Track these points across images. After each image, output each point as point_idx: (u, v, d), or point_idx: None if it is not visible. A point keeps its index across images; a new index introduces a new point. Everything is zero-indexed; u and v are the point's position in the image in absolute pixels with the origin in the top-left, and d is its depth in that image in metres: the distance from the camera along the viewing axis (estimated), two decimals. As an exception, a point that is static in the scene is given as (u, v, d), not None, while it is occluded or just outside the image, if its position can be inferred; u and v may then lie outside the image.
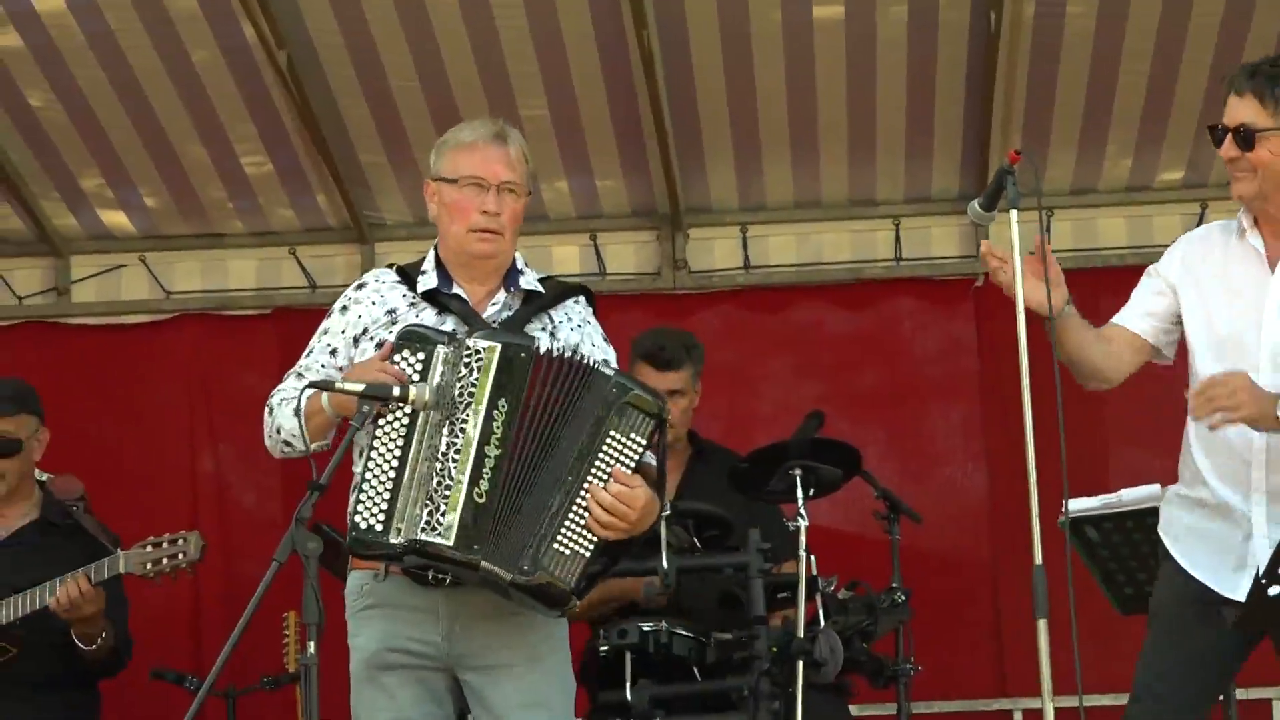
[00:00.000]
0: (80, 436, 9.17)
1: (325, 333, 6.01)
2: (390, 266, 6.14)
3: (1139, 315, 6.26)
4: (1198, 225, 9.72)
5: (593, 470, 5.61)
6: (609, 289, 9.51)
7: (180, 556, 7.13)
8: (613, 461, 5.62)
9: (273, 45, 8.58)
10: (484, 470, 5.58)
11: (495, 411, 5.60)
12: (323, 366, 5.90)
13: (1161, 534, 6.26)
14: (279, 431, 5.89)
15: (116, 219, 9.96)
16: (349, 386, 5.67)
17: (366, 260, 9.92)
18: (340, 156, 9.41)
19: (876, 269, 10.00)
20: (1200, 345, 6.10)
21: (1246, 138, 6.09)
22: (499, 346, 5.64)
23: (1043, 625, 5.72)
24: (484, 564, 5.54)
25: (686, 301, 9.93)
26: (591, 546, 5.61)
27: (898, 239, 10.00)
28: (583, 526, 5.61)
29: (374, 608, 5.83)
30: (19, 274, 10.17)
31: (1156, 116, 9.43)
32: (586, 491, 5.60)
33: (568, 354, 5.72)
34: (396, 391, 5.61)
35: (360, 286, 6.05)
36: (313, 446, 5.77)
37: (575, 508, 5.60)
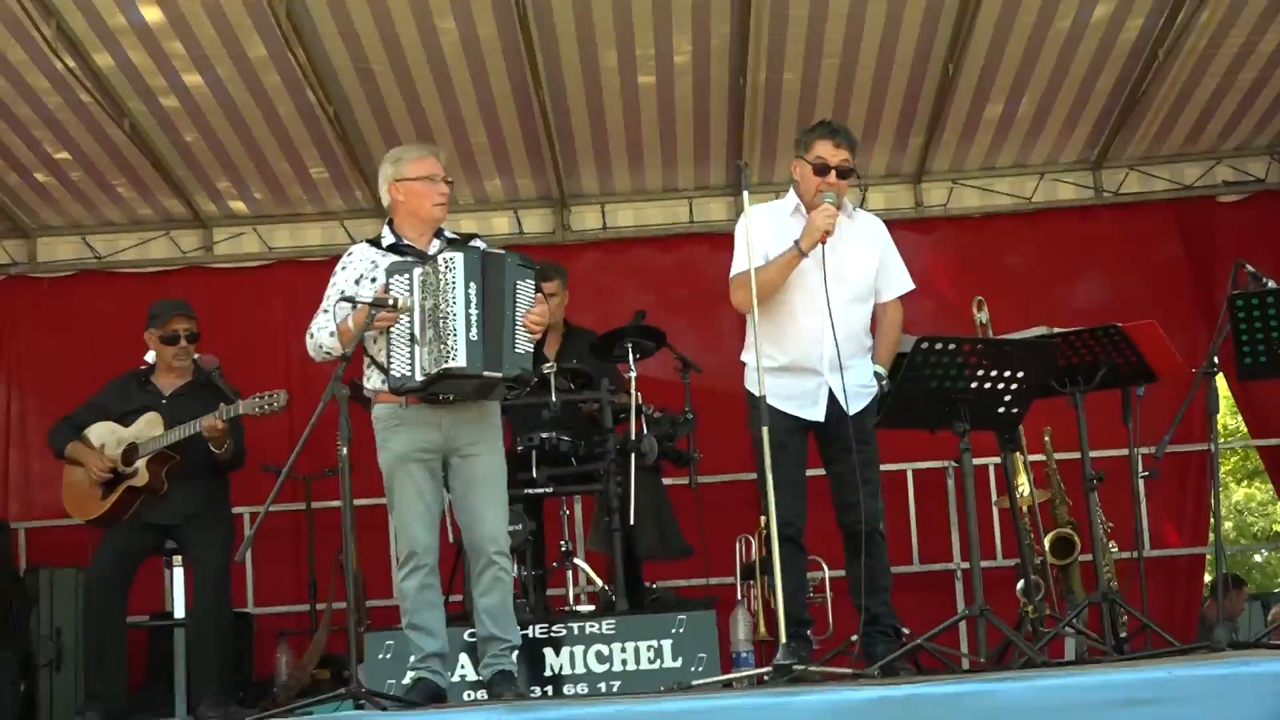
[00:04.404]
0: (234, 336, 9.07)
1: (335, 285, 6.05)
2: (364, 240, 6.27)
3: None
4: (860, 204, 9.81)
5: (517, 304, 5.77)
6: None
7: (275, 404, 7.10)
8: (524, 295, 5.81)
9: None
10: (472, 323, 5.67)
11: (469, 291, 5.71)
12: (338, 304, 5.93)
13: (762, 394, 6.10)
14: (320, 347, 5.96)
15: (210, 206, 9.92)
16: (363, 299, 5.83)
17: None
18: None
19: (679, 228, 10.00)
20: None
21: (845, 174, 6.23)
22: (462, 254, 5.76)
23: (765, 432, 5.76)
24: (485, 372, 5.69)
25: (569, 250, 9.98)
26: (530, 346, 5.83)
27: (691, 210, 10.03)
28: (525, 335, 5.78)
29: (401, 425, 5.90)
30: (182, 239, 10.11)
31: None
32: (519, 315, 5.77)
33: (495, 251, 5.92)
34: (390, 301, 5.75)
35: (349, 254, 6.15)
36: (346, 350, 5.86)
37: (518, 327, 5.76)
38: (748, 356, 6.49)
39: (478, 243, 6.10)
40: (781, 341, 6.33)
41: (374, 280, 5.93)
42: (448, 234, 6.14)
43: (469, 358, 5.67)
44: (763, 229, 6.32)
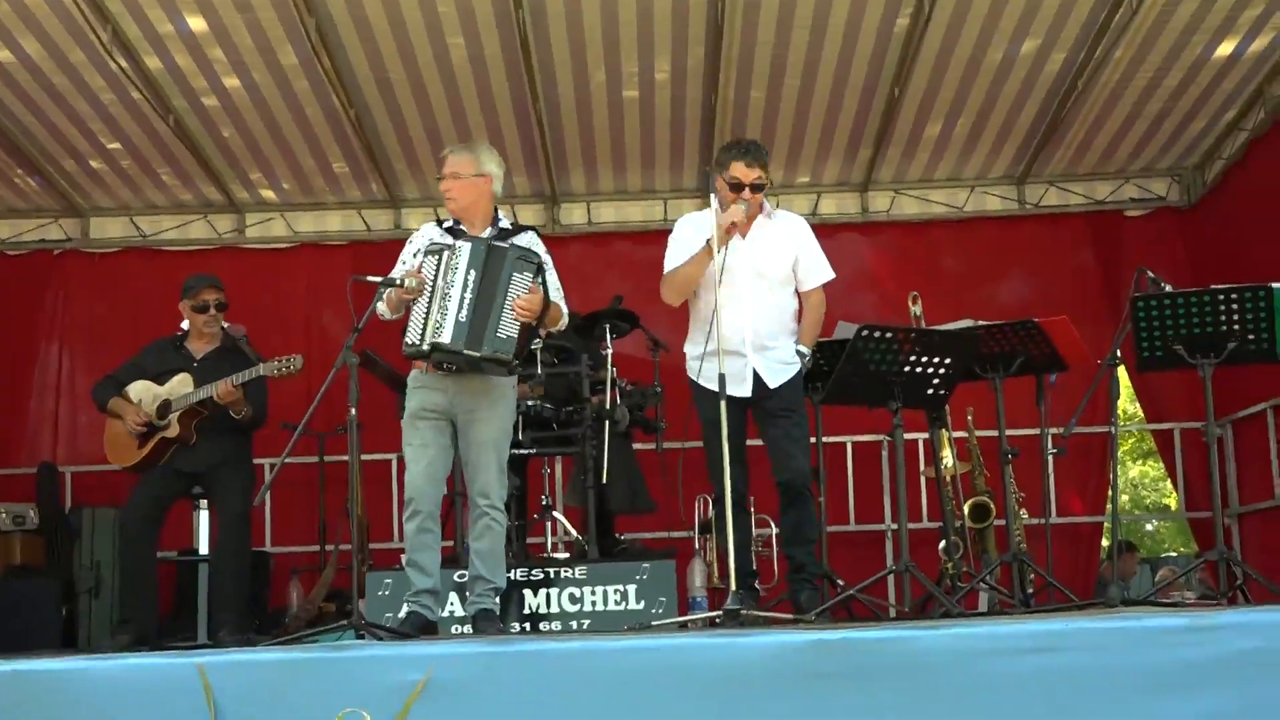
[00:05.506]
0: (262, 308, 9.06)
1: (401, 258, 6.02)
2: (433, 221, 6.17)
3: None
4: (814, 208, 9.75)
5: (509, 291, 5.66)
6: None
7: (292, 366, 7.01)
8: (518, 286, 5.69)
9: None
10: (464, 305, 5.62)
11: (469, 277, 5.66)
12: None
13: (698, 379, 6.21)
14: (378, 313, 5.88)
15: (243, 193, 9.86)
16: (371, 279, 5.79)
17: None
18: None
19: (656, 225, 9.78)
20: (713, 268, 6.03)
21: (758, 188, 6.12)
22: (470, 244, 5.73)
23: (724, 404, 5.70)
24: (465, 351, 5.61)
25: (558, 241, 9.81)
26: (515, 333, 5.66)
27: (666, 209, 9.90)
28: (510, 321, 5.65)
29: (420, 387, 5.89)
30: (217, 222, 10.02)
31: (791, 160, 9.45)
32: (509, 302, 5.65)
33: (500, 244, 5.76)
34: (398, 281, 5.68)
35: (418, 230, 6.12)
36: (395, 316, 5.84)
37: (505, 312, 5.64)
38: (689, 347, 6.43)
39: (530, 235, 6.01)
40: (710, 329, 6.26)
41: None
42: (503, 224, 6.05)
43: (453, 336, 5.64)
44: (687, 234, 6.27)
